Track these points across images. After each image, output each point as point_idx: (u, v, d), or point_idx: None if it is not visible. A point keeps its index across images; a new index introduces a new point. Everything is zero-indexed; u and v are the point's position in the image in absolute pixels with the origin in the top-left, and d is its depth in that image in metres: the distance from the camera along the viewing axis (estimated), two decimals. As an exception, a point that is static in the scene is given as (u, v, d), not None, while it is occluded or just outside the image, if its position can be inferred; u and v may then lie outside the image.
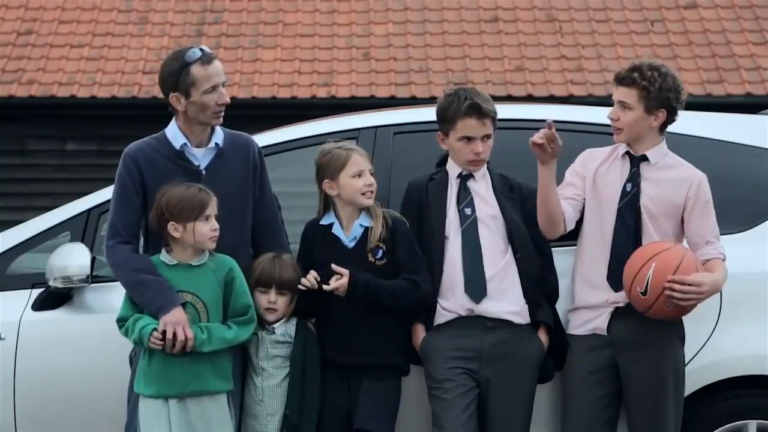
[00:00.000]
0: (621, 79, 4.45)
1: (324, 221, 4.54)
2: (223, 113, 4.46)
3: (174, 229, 4.27)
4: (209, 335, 4.23)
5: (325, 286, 4.36)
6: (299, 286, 4.39)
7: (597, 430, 4.44)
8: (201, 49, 4.44)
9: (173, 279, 4.29)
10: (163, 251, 4.34)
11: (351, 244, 4.49)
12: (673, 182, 4.44)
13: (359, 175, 4.47)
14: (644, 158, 4.47)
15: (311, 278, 4.39)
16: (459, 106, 4.50)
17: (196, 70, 4.38)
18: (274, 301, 4.43)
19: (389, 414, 4.46)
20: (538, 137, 4.29)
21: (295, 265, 4.47)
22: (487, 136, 4.53)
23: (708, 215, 4.43)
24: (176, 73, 4.40)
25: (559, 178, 4.55)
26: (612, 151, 4.55)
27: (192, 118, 4.44)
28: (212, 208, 4.29)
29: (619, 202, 4.43)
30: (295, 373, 4.40)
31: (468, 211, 4.51)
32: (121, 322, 4.32)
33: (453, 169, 4.59)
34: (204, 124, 4.46)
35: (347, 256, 4.46)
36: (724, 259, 4.40)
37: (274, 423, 4.40)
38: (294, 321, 4.46)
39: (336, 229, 4.51)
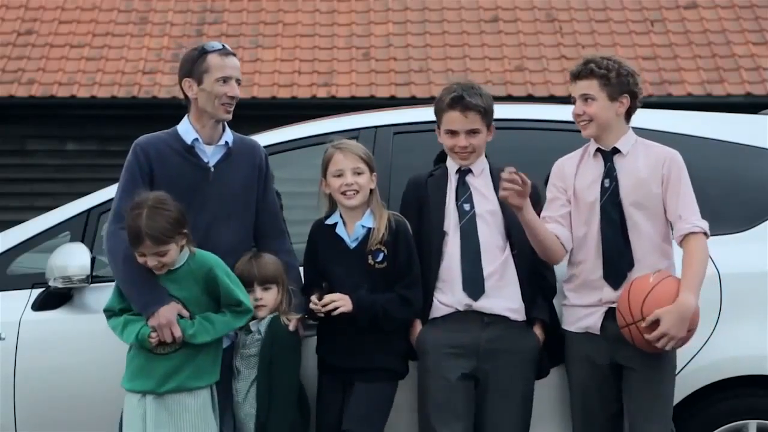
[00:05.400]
0: (578, 74, 4.47)
1: (329, 221, 4.55)
2: (232, 108, 4.50)
3: None
4: (202, 327, 4.27)
5: (335, 310, 4.36)
6: (311, 305, 4.37)
7: (603, 422, 4.45)
8: (223, 45, 4.54)
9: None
10: None
11: (353, 245, 4.49)
12: (647, 167, 4.41)
13: (340, 175, 4.47)
14: (616, 151, 4.46)
15: (314, 306, 4.38)
16: (444, 98, 4.54)
17: (212, 58, 4.48)
18: (260, 297, 4.44)
19: (378, 417, 4.45)
20: (505, 192, 4.24)
21: (276, 261, 4.48)
22: (474, 131, 4.52)
23: (679, 190, 4.38)
24: (193, 60, 4.50)
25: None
26: (582, 152, 4.54)
27: (202, 110, 4.48)
28: (145, 248, 4.21)
29: (601, 199, 4.41)
30: (262, 368, 4.38)
31: (467, 206, 4.51)
32: (108, 312, 4.37)
33: (452, 164, 4.60)
34: (213, 117, 4.49)
35: (349, 257, 4.47)
36: (705, 233, 4.32)
37: (252, 424, 4.41)
38: (269, 318, 4.45)
39: (339, 229, 4.51)
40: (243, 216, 4.53)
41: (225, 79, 4.46)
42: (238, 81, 4.51)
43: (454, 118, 4.52)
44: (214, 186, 4.44)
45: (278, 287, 4.46)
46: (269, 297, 4.46)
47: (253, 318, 4.44)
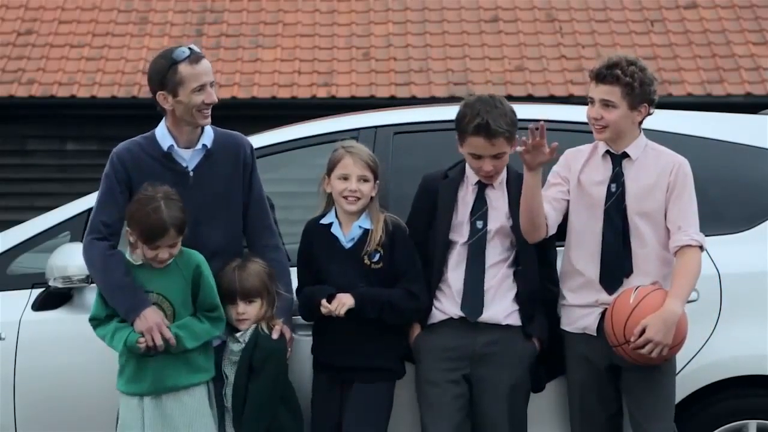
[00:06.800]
0: (602, 77, 4.32)
1: (324, 220, 4.53)
2: (209, 112, 4.43)
3: (130, 234, 4.28)
4: (188, 332, 4.25)
5: (338, 313, 4.33)
6: (323, 310, 4.35)
7: (602, 422, 4.44)
8: (190, 48, 4.42)
9: (140, 279, 4.30)
10: (128, 250, 4.32)
11: (348, 245, 4.47)
12: (655, 175, 4.37)
13: (345, 179, 4.46)
14: (625, 155, 4.41)
15: (325, 309, 4.35)
16: (469, 122, 4.35)
17: (184, 68, 4.36)
18: (242, 312, 4.39)
19: (379, 418, 4.43)
20: (524, 147, 4.16)
21: (261, 270, 4.41)
22: (499, 155, 4.36)
23: (682, 199, 4.33)
24: (164, 72, 4.37)
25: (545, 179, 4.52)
26: (593, 149, 4.47)
27: (180, 118, 4.42)
28: (167, 240, 4.22)
29: (605, 204, 4.38)
30: (239, 374, 4.35)
31: (479, 224, 4.44)
32: (94, 321, 4.35)
33: (472, 174, 4.49)
34: (191, 124, 4.43)
35: (344, 257, 4.45)
36: (700, 246, 4.29)
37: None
38: (253, 327, 4.40)
39: (335, 229, 4.50)
40: (229, 215, 4.48)
41: (200, 88, 4.36)
42: (212, 84, 4.40)
43: (479, 145, 4.35)
44: (195, 190, 4.39)
45: (262, 300, 4.40)
46: (252, 311, 4.39)
47: (237, 330, 4.40)
